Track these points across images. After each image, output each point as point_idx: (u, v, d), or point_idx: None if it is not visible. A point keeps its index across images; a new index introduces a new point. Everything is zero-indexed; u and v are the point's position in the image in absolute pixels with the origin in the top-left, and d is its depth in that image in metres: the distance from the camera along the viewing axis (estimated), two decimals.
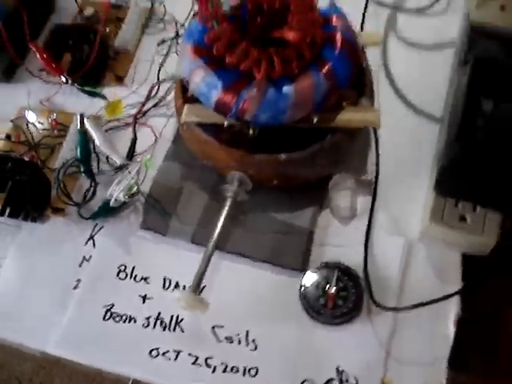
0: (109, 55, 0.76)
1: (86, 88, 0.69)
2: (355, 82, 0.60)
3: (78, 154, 0.63)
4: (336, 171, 0.64)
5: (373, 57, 0.67)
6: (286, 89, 0.55)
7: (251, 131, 0.56)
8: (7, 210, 0.65)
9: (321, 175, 0.63)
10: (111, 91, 0.74)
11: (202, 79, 0.56)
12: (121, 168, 0.66)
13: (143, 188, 0.66)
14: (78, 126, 0.63)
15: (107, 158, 0.67)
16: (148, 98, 0.71)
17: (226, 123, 0.57)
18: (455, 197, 0.57)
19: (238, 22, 0.56)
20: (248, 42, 0.54)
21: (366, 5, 0.81)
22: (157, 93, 0.73)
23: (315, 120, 0.57)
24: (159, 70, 0.74)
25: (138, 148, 0.70)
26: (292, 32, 0.57)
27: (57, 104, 0.74)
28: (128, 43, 0.76)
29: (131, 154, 0.68)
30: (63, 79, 0.70)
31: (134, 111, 0.71)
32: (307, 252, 0.62)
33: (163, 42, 0.76)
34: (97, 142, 0.62)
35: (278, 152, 0.59)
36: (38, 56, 0.69)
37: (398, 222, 0.64)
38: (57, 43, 0.73)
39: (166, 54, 0.76)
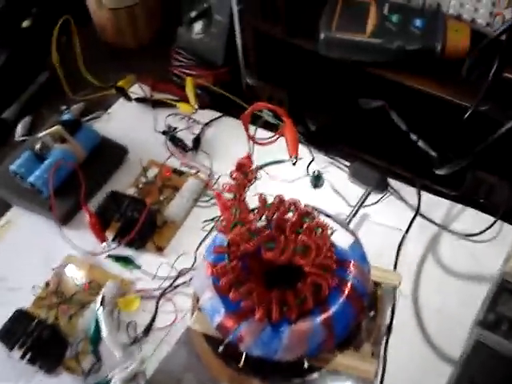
0: (156, 224, 0.81)
1: (119, 262, 0.74)
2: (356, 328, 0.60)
3: (91, 333, 0.68)
4: None
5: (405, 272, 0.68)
6: (282, 331, 0.56)
7: (241, 363, 0.58)
8: (27, 356, 0.69)
9: None
10: (149, 260, 0.79)
11: (208, 299, 0.59)
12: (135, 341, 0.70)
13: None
14: (97, 307, 0.68)
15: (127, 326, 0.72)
16: (176, 278, 0.75)
17: (220, 348, 0.59)
18: None
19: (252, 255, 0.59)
20: (253, 283, 0.56)
21: (414, 217, 0.81)
22: (190, 269, 0.76)
23: (306, 365, 0.57)
24: (197, 248, 0.78)
25: (159, 323, 0.73)
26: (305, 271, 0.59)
27: (100, 261, 0.79)
28: (176, 216, 0.81)
29: (148, 330, 0.72)
30: (104, 246, 0.76)
31: (164, 284, 0.75)
32: None
33: (206, 221, 0.80)
34: (103, 333, 0.66)
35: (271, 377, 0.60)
36: (87, 219, 0.76)
37: None
38: (108, 209, 0.79)
39: (209, 233, 0.80)
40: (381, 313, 0.63)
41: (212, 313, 0.59)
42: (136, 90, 1.01)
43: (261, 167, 0.56)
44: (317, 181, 0.66)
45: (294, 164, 0.57)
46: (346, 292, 0.58)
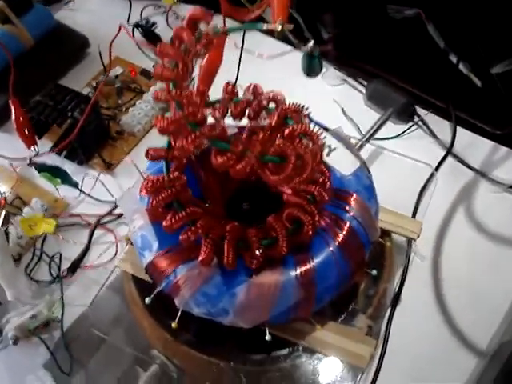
0: (108, 134, 0.62)
1: (43, 173, 0.55)
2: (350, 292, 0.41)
3: None
4: None
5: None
6: (237, 283, 0.38)
7: (174, 324, 0.39)
8: None
9: None
10: (93, 178, 0.60)
11: (139, 229, 0.41)
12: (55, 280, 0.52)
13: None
14: None
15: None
16: (114, 208, 0.56)
17: (147, 299, 0.40)
18: None
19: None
20: (199, 208, 0.37)
21: (446, 156, 0.61)
22: None
23: (267, 336, 0.39)
24: None
25: (94, 259, 0.55)
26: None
27: (32, 174, 0.61)
28: (135, 126, 0.62)
29: (74, 266, 0.54)
30: (33, 152, 0.57)
31: (102, 211, 0.57)
32: None
33: None
34: None
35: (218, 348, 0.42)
36: (13, 115, 0.57)
37: None
38: (45, 106, 0.60)
39: None
40: (387, 273, 0.44)
41: (142, 248, 0.41)
42: None
43: (226, 32, 0.36)
44: (310, 62, 0.43)
45: (277, 34, 0.37)
46: (341, 237, 0.39)
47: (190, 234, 0.37)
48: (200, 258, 0.37)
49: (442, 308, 0.53)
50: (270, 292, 0.38)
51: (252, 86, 0.38)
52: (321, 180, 0.40)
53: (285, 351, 0.43)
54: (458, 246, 0.56)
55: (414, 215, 0.54)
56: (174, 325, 0.39)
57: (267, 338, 0.39)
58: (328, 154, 0.42)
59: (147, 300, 0.40)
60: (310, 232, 0.38)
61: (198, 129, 0.32)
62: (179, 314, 0.39)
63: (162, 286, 0.39)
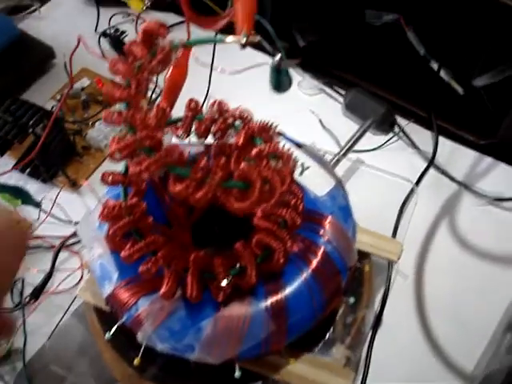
0: (74, 149, 0.59)
1: (2, 195, 0.52)
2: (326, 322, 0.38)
3: None
4: None
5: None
6: (202, 317, 0.35)
7: (136, 360, 0.36)
8: None
9: None
10: (58, 198, 0.56)
11: (98, 258, 0.37)
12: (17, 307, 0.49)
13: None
14: None
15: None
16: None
17: (107, 334, 0.37)
18: None
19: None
20: (161, 236, 0.34)
21: (427, 168, 0.59)
22: None
23: (237, 372, 0.36)
24: None
25: (58, 280, 0.52)
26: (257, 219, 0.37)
27: None
28: (102, 141, 0.59)
29: (37, 293, 0.50)
30: None
31: (68, 232, 0.54)
32: None
33: None
34: None
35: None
36: None
37: None
38: (6, 123, 0.56)
39: None
40: (366, 300, 0.42)
41: (101, 279, 0.38)
42: None
43: (184, 45, 0.33)
44: (278, 78, 0.40)
45: (243, 46, 0.34)
46: (315, 263, 0.37)
47: (150, 265, 0.34)
48: (161, 292, 0.34)
49: (425, 330, 0.50)
50: (238, 326, 0.35)
51: (216, 103, 0.36)
52: (293, 202, 0.37)
53: None
54: (441, 263, 0.54)
55: (394, 233, 0.52)
56: (136, 361, 0.36)
57: (236, 375, 0.36)
58: (301, 173, 0.39)
59: (107, 335, 0.37)
60: (282, 260, 0.35)
61: (153, 154, 0.29)
62: (142, 349, 0.36)
63: (124, 320, 0.36)
